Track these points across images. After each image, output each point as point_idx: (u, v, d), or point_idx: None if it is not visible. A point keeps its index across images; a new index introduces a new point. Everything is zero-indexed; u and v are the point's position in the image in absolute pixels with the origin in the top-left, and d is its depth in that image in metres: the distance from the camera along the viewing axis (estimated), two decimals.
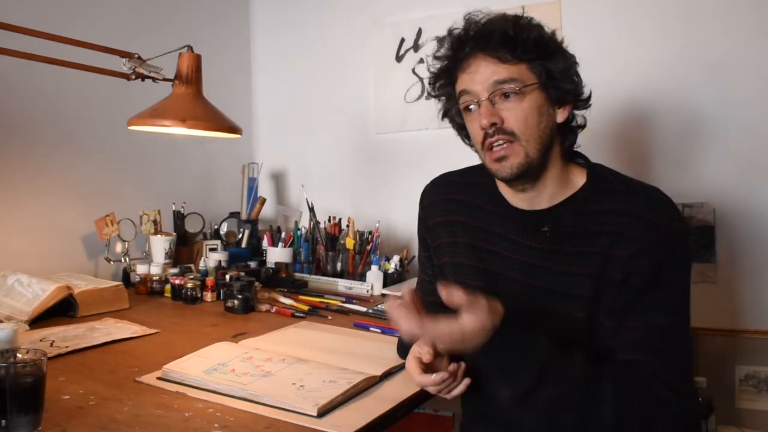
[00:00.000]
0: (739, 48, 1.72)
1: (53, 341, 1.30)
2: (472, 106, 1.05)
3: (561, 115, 1.07)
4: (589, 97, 1.11)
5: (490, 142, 1.03)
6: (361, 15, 2.27)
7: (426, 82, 2.08)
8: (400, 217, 2.19)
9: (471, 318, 0.90)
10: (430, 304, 1.24)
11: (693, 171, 1.79)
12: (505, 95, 1.02)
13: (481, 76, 1.03)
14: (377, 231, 2.02)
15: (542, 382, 0.96)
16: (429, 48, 2.13)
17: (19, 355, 0.91)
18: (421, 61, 2.16)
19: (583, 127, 1.13)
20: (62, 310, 1.52)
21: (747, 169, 1.73)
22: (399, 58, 2.20)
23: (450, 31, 1.09)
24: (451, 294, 0.91)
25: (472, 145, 1.14)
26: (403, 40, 2.19)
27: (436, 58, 1.11)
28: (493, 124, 1.02)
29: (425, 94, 2.14)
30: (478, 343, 0.92)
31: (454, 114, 1.13)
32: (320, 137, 2.41)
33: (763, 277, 1.73)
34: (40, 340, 1.31)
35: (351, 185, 2.34)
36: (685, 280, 1.02)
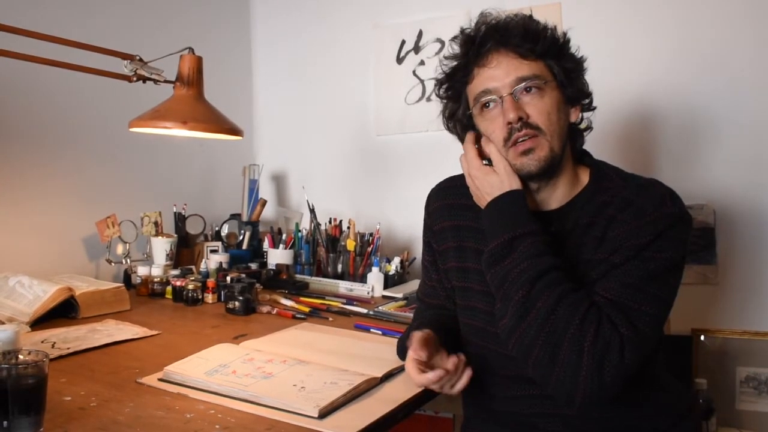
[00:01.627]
0: (740, 50, 1.72)
1: (54, 342, 1.30)
2: (491, 104, 1.06)
3: (573, 115, 1.09)
4: (592, 100, 1.13)
5: (517, 136, 1.03)
6: (362, 17, 2.27)
7: (426, 83, 2.12)
8: (401, 218, 2.20)
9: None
10: (433, 307, 1.24)
11: (693, 172, 1.79)
12: (527, 90, 1.03)
13: (503, 71, 1.03)
14: (378, 232, 2.02)
15: (513, 244, 1.00)
16: (430, 50, 2.15)
17: (20, 357, 0.91)
18: (422, 63, 2.16)
19: (590, 129, 1.14)
20: (63, 311, 1.52)
21: (748, 171, 1.73)
22: (400, 60, 2.21)
23: (463, 30, 1.09)
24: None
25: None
26: (403, 42, 2.19)
27: (448, 57, 1.11)
28: (520, 119, 1.02)
29: (426, 96, 2.16)
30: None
31: (461, 115, 1.13)
32: (321, 139, 2.41)
33: (763, 279, 1.73)
34: (42, 342, 1.31)
35: (352, 187, 2.34)
36: (669, 260, 1.00)
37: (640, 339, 0.96)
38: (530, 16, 1.07)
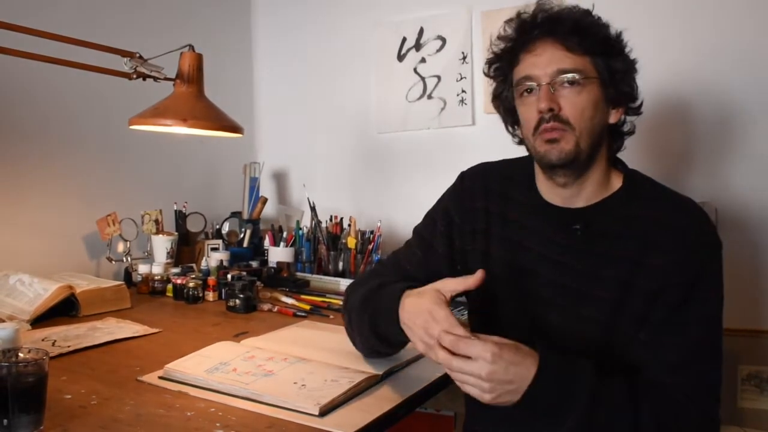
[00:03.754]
0: (744, 43, 1.71)
1: (55, 341, 1.30)
2: (530, 90, 1.05)
3: (614, 117, 1.07)
4: (641, 104, 1.11)
5: (545, 126, 1.03)
6: (363, 14, 2.27)
7: (427, 80, 2.12)
8: (402, 216, 2.19)
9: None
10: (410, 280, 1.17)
11: (695, 170, 1.78)
12: (567, 83, 1.02)
13: (546, 60, 1.02)
14: (379, 230, 2.02)
15: (589, 420, 0.92)
16: (431, 47, 2.15)
17: (21, 355, 0.91)
18: (423, 60, 2.16)
19: (632, 132, 1.12)
20: (64, 309, 1.52)
21: (750, 169, 1.72)
22: (400, 57, 2.20)
23: (519, 14, 1.08)
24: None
25: (515, 135, 1.15)
26: (404, 40, 2.19)
27: (500, 38, 1.10)
28: (550, 110, 1.01)
29: (427, 93, 2.16)
30: (515, 393, 0.90)
31: (505, 97, 1.12)
32: (322, 136, 2.41)
33: (765, 276, 1.73)
34: (42, 340, 1.31)
35: (352, 184, 2.34)
36: (718, 297, 1.01)
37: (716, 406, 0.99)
38: (587, 11, 1.06)
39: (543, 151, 1.04)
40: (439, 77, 2.13)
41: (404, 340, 1.04)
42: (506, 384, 0.90)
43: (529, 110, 1.06)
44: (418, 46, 2.17)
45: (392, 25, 2.21)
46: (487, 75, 1.15)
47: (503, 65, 1.11)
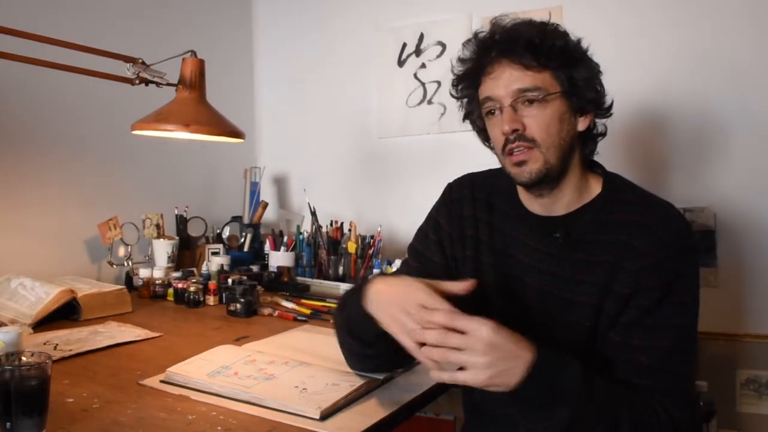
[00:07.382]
0: (745, 53, 1.73)
1: (57, 344, 1.30)
2: (494, 111, 1.06)
3: (582, 124, 1.07)
4: (611, 105, 1.11)
5: (511, 147, 1.04)
6: (364, 20, 2.28)
7: (428, 86, 2.13)
8: (403, 220, 2.20)
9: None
10: None
11: (694, 175, 1.79)
12: (529, 101, 1.02)
13: (505, 82, 1.03)
14: (379, 235, 2.02)
15: (580, 413, 0.91)
16: (431, 53, 2.16)
17: (23, 359, 0.92)
18: (423, 65, 2.17)
19: (603, 135, 1.13)
20: (66, 313, 1.52)
21: (748, 174, 1.73)
22: (401, 62, 2.21)
23: (476, 34, 1.09)
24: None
25: (491, 148, 1.15)
26: (405, 45, 2.20)
27: (460, 60, 1.11)
28: (514, 131, 1.02)
29: (427, 99, 2.17)
30: (513, 375, 0.87)
31: (476, 117, 1.13)
32: (322, 141, 2.41)
33: (764, 281, 1.73)
34: (44, 344, 1.31)
35: (353, 189, 2.35)
36: (692, 301, 1.02)
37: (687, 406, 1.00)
38: (543, 22, 1.06)
39: (513, 173, 1.06)
40: (439, 82, 2.14)
41: (378, 331, 0.99)
42: (504, 361, 0.87)
43: (495, 130, 1.07)
44: (418, 51, 2.18)
45: (392, 31, 2.22)
46: (454, 97, 1.16)
47: (468, 87, 1.12)
